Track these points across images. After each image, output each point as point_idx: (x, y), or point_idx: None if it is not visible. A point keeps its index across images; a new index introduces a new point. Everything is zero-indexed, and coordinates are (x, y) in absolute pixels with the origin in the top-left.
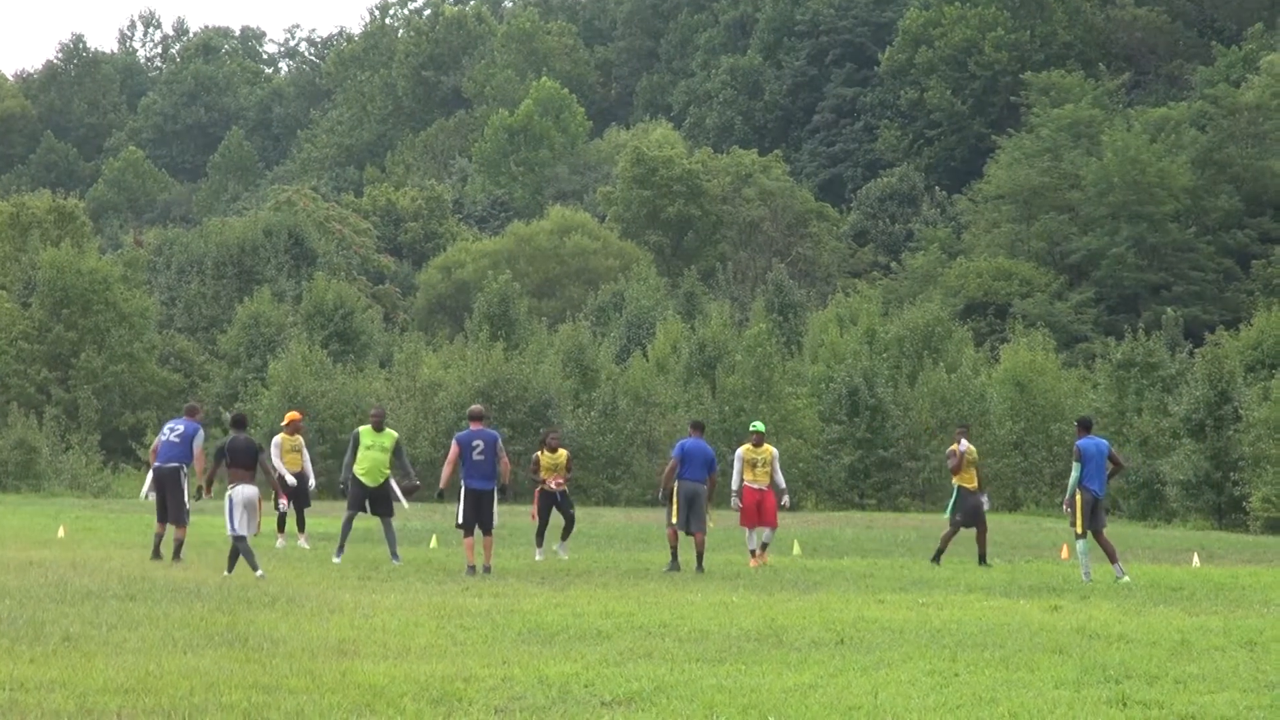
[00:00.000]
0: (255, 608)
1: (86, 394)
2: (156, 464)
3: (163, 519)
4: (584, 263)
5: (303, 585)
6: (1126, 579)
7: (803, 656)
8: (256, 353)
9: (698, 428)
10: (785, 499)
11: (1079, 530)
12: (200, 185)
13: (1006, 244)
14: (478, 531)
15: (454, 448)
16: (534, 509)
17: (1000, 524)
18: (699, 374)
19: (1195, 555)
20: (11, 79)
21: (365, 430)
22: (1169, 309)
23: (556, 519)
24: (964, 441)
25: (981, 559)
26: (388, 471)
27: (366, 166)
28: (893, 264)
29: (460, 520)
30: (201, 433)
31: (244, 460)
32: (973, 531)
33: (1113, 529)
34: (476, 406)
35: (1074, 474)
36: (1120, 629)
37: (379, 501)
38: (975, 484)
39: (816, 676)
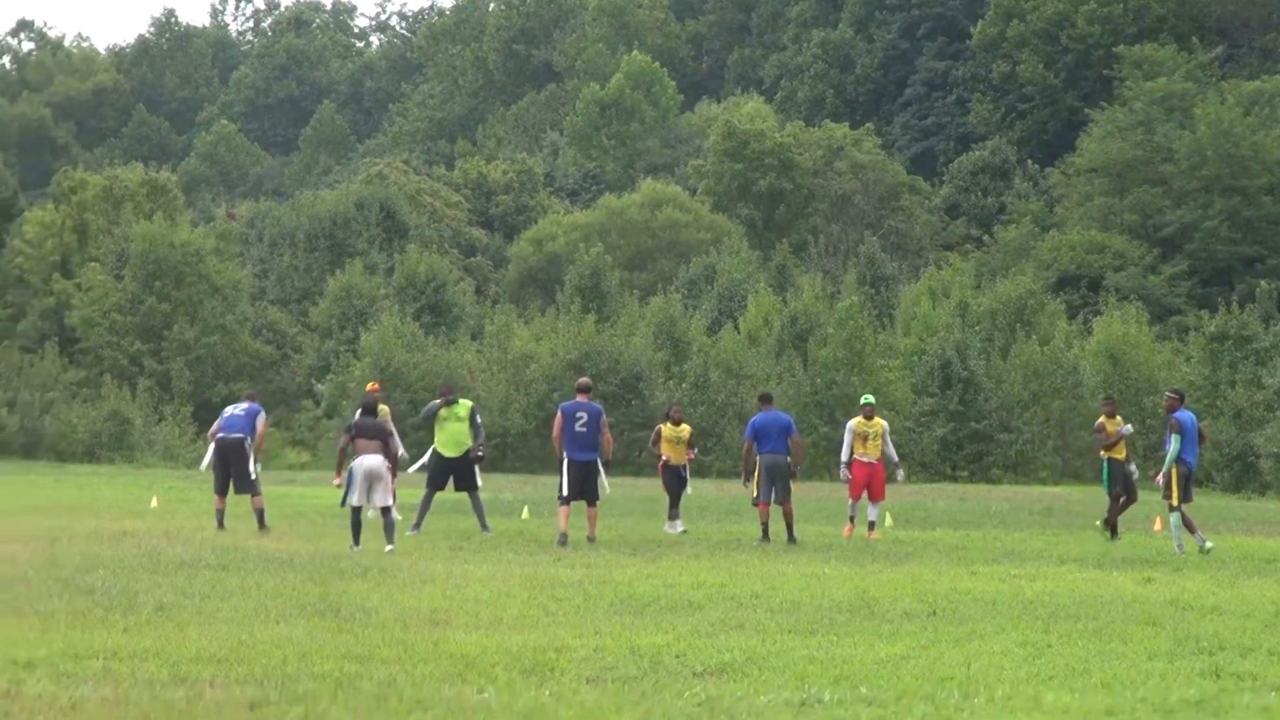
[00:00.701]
0: (348, 578)
1: (179, 366)
2: (221, 434)
3: (221, 491)
4: (675, 235)
5: (395, 556)
6: (1210, 544)
7: (895, 628)
8: (348, 325)
9: (766, 400)
10: (900, 473)
11: (1174, 502)
12: (292, 158)
13: (1099, 217)
14: (575, 502)
15: (559, 417)
16: (662, 483)
17: (1093, 496)
18: (790, 346)
19: None
20: (104, 53)
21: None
22: (1263, 282)
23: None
24: (1125, 426)
25: (1112, 529)
26: (468, 442)
27: (458, 140)
28: (985, 237)
29: (564, 491)
30: (263, 413)
31: (369, 433)
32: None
33: (1206, 501)
34: (584, 379)
35: (1174, 446)
36: (1214, 601)
37: (462, 475)
38: (1124, 455)
39: (909, 648)
